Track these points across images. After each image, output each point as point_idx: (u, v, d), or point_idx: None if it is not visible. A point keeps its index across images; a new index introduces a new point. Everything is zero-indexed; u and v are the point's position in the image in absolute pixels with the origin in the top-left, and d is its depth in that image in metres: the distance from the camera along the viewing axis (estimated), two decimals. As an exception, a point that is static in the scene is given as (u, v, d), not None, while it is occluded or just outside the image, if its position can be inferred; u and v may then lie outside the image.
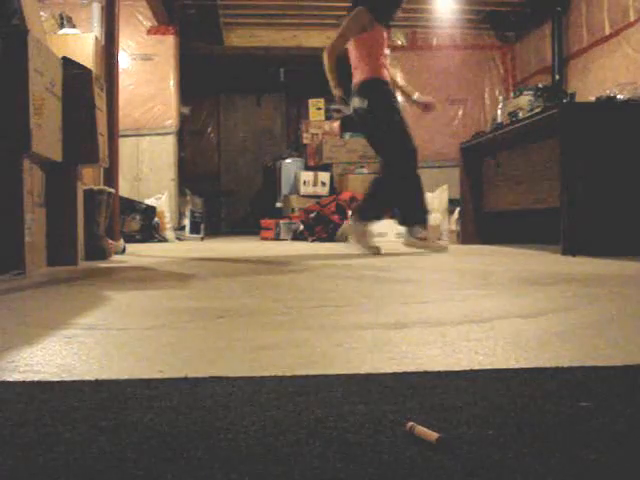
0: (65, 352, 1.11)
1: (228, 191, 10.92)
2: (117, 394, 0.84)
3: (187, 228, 7.13)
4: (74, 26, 5.89)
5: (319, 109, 8.08)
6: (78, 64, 3.30)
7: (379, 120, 3.97)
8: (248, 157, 10.96)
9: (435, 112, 7.77)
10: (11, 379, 0.92)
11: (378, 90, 3.94)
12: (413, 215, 4.11)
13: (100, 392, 0.86)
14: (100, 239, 3.49)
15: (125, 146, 6.49)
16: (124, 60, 6.78)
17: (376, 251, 3.93)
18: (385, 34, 4.06)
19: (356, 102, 3.99)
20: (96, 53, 5.46)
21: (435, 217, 6.63)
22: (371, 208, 4.06)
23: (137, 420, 0.74)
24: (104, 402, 0.81)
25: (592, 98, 4.03)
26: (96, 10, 6.33)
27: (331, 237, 6.11)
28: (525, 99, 4.51)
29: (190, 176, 8.98)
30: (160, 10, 6.63)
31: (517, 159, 4.58)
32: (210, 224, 9.02)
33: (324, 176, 7.47)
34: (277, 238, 6.87)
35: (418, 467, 0.59)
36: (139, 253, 4.20)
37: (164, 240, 6.37)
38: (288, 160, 8.11)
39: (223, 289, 2.16)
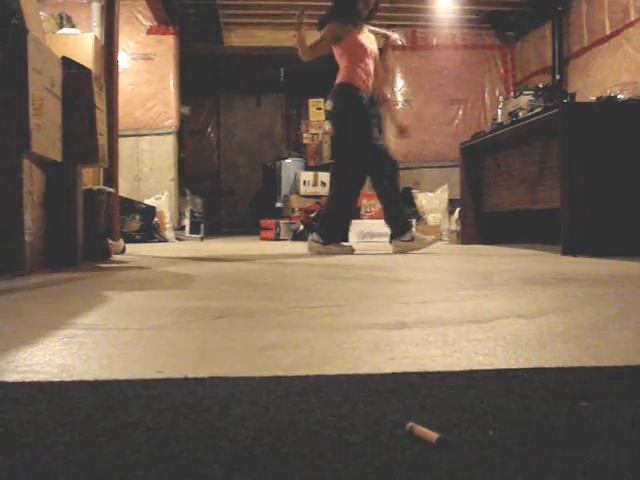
0: (65, 352, 1.11)
1: (228, 191, 10.91)
2: (117, 394, 0.84)
3: (187, 228, 7.12)
4: (74, 26, 5.88)
5: (319, 109, 8.07)
6: (78, 64, 3.30)
7: (338, 126, 4.23)
8: (248, 157, 10.95)
9: (435, 112, 7.84)
10: (11, 379, 0.92)
11: (345, 96, 4.12)
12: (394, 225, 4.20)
13: (100, 392, 0.86)
14: (100, 239, 3.48)
15: (125, 146, 6.48)
16: (124, 60, 6.78)
17: (350, 250, 4.11)
18: (363, 39, 4.18)
19: (327, 104, 4.28)
20: (96, 53, 5.46)
21: (435, 217, 6.63)
22: (330, 229, 4.20)
23: (137, 420, 0.74)
24: (104, 402, 0.81)
25: (592, 98, 4.04)
26: (96, 10, 6.33)
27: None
28: (525, 99, 4.51)
29: (190, 176, 8.97)
30: (160, 10, 6.62)
31: (517, 159, 4.58)
32: (210, 224, 9.01)
33: (324, 176, 7.47)
34: (277, 238, 6.86)
35: (418, 467, 0.59)
36: (139, 253, 4.20)
37: (164, 240, 6.37)
38: (288, 160, 8.11)
39: (223, 289, 2.16)
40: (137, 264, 3.31)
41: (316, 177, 7.46)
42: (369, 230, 6.24)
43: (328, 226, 4.19)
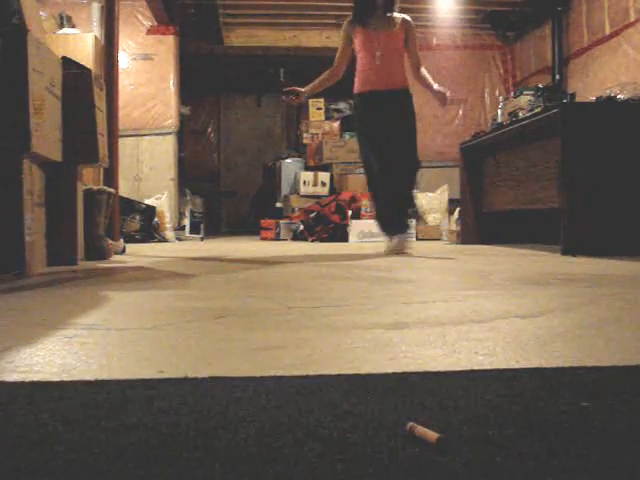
0: (65, 352, 1.11)
1: (228, 191, 10.91)
2: (117, 394, 0.84)
3: (187, 228, 7.12)
4: (74, 26, 5.89)
5: (319, 109, 8.08)
6: (78, 64, 3.31)
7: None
8: (248, 157, 10.95)
9: (435, 112, 7.84)
10: (11, 379, 0.92)
11: (355, 104, 4.23)
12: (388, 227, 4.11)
13: (100, 392, 0.86)
14: (100, 239, 3.48)
15: (125, 146, 6.48)
16: (124, 60, 6.78)
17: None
18: (367, 32, 3.99)
19: None
20: (96, 53, 5.46)
21: (435, 217, 6.63)
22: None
23: (137, 420, 0.74)
24: (104, 402, 0.81)
25: (592, 98, 4.03)
26: (96, 10, 6.32)
27: (331, 237, 6.11)
28: (525, 99, 4.50)
29: (190, 176, 8.97)
30: (160, 10, 6.62)
31: (517, 159, 4.57)
32: (210, 224, 9.01)
33: (324, 176, 7.47)
34: (277, 238, 6.86)
35: (418, 467, 0.59)
36: (139, 253, 4.20)
37: (164, 240, 6.37)
38: (288, 160, 8.11)
39: (223, 289, 2.16)
40: (137, 264, 3.31)
41: (316, 177, 7.46)
42: (369, 230, 6.24)
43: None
